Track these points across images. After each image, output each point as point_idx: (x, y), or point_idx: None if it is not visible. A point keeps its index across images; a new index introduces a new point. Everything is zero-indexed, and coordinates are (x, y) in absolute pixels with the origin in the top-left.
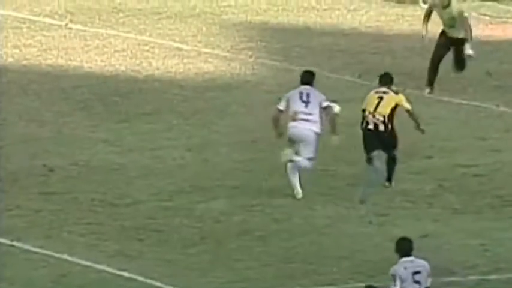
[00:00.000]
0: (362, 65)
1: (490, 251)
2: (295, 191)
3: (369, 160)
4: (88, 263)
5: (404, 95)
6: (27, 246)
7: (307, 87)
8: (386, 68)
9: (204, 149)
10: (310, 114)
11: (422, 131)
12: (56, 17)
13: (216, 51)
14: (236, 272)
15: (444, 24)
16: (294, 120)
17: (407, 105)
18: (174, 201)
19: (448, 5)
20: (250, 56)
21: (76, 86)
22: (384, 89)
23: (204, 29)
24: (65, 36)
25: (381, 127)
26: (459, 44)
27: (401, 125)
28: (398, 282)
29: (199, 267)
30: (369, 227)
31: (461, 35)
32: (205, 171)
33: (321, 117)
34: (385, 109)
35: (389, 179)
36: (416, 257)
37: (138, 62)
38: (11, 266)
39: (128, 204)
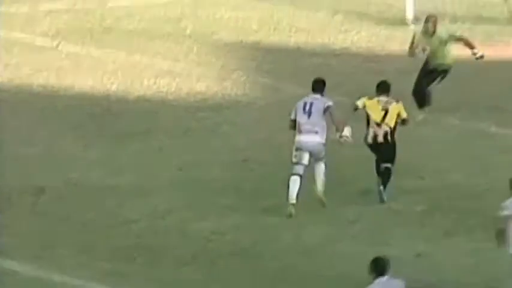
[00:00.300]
0: (353, 86)
1: (482, 270)
2: (289, 198)
3: (385, 170)
4: (80, 283)
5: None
6: (18, 266)
7: (316, 95)
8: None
9: (196, 169)
10: (313, 125)
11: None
12: (48, 37)
13: (207, 71)
14: None
15: (428, 55)
16: (300, 131)
17: (405, 115)
18: (166, 221)
19: (434, 32)
20: (242, 76)
21: (68, 106)
22: (385, 98)
23: (196, 48)
24: (56, 56)
25: (389, 138)
26: (440, 73)
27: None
28: None
29: (192, 286)
30: (362, 247)
31: (444, 65)
32: (197, 191)
33: (324, 126)
34: (392, 121)
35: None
36: (392, 276)
37: (129, 82)
38: (2, 286)
39: (120, 224)
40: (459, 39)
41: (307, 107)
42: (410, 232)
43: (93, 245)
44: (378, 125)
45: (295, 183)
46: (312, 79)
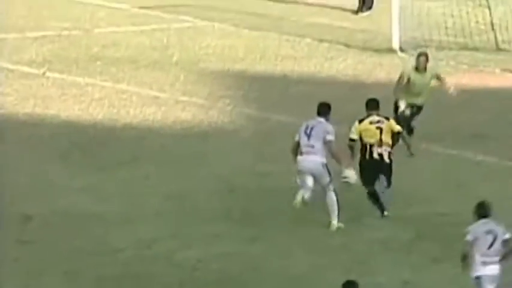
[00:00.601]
0: (340, 114)
1: None
2: (298, 198)
3: (372, 195)
4: None
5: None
6: None
7: (320, 119)
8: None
9: (182, 197)
10: (312, 146)
11: (411, 154)
12: (34, 65)
13: (193, 100)
14: None
15: (411, 91)
16: (301, 153)
17: (398, 128)
18: (153, 249)
19: (425, 68)
20: (228, 104)
21: (54, 134)
22: (376, 117)
23: (182, 77)
24: (42, 84)
25: (386, 156)
26: (417, 110)
27: None
28: None
29: None
30: (348, 275)
31: (419, 102)
32: (183, 219)
33: (323, 148)
34: (388, 139)
35: (383, 209)
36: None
37: (115, 110)
38: None
39: (107, 253)
40: (439, 78)
41: (309, 130)
42: (397, 260)
43: (80, 273)
44: (380, 145)
45: (306, 189)
46: (298, 107)
